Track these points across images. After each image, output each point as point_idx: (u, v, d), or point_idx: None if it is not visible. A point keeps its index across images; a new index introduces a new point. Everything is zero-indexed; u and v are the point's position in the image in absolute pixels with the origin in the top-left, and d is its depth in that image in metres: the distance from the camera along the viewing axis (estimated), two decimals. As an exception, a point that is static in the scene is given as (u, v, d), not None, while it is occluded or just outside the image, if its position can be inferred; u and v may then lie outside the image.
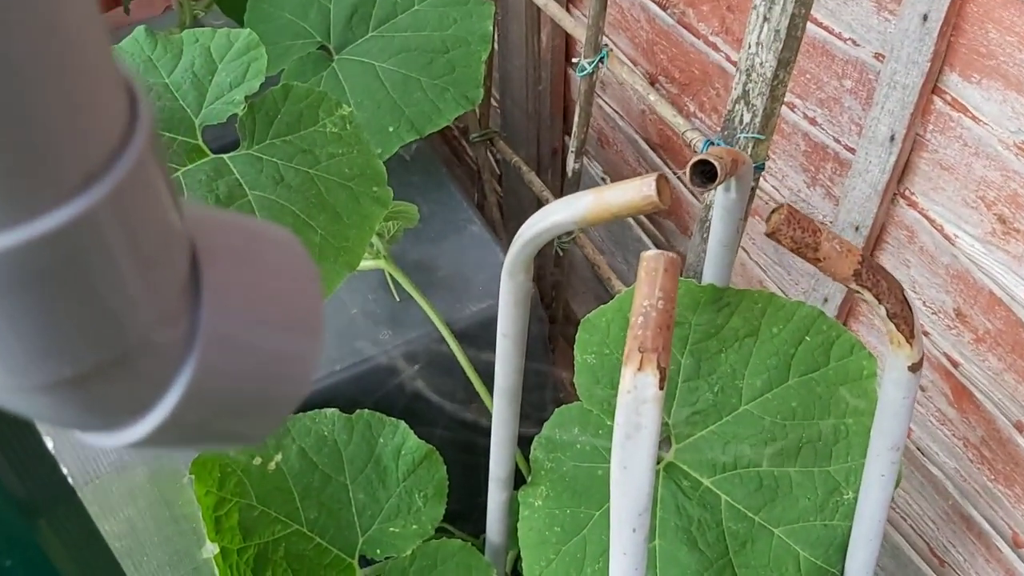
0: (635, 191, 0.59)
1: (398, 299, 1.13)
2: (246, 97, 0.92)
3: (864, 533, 0.83)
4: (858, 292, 0.58)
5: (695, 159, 0.65)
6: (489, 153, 1.61)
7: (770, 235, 0.58)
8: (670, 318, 0.55)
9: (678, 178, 1.42)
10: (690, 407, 0.88)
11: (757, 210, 1.25)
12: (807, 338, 0.84)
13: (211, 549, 0.96)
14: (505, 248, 1.27)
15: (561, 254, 1.43)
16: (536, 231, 0.67)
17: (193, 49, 0.94)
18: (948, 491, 1.09)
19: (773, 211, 0.59)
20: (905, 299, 0.59)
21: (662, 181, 0.60)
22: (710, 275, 0.84)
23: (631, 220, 1.59)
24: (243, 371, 0.25)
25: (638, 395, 0.54)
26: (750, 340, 0.86)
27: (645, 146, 1.47)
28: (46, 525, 0.59)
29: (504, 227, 1.69)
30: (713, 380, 0.87)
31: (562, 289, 1.76)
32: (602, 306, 0.90)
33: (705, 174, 0.65)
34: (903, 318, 0.59)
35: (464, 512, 1.17)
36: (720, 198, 0.77)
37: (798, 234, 0.57)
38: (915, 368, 0.62)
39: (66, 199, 0.19)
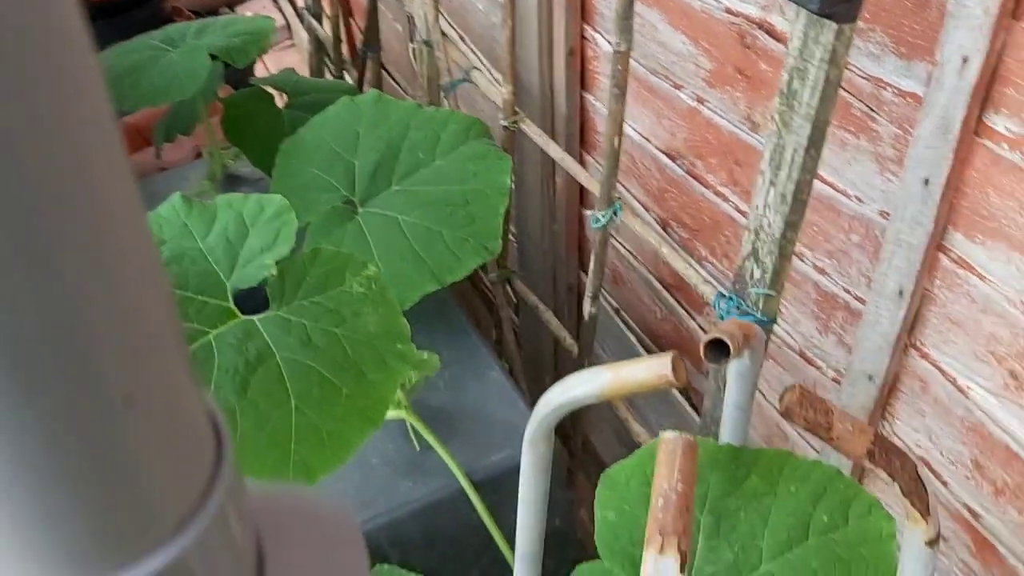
0: (651, 370, 0.62)
1: (418, 448, 1.14)
2: (276, 261, 0.96)
3: None
4: (872, 470, 0.60)
5: (707, 337, 0.68)
6: (507, 290, 1.64)
7: (783, 415, 0.60)
8: (689, 500, 0.57)
9: (691, 317, 1.45)
10: (712, 566, 0.88)
11: (772, 354, 1.27)
12: (825, 498, 0.85)
13: None
14: (524, 395, 1.29)
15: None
16: (556, 404, 0.70)
17: (227, 215, 0.99)
18: (977, 644, 1.07)
19: (786, 390, 0.61)
20: (919, 477, 0.61)
21: (677, 361, 0.63)
22: (727, 435, 0.86)
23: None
24: None
25: (660, 579, 0.55)
26: (768, 499, 0.87)
27: (659, 286, 1.50)
28: None
29: (522, 364, 1.71)
30: (733, 539, 0.87)
31: (581, 420, 1.77)
32: (621, 461, 0.92)
33: (718, 350, 0.68)
34: (918, 495, 0.60)
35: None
36: (734, 365, 0.79)
37: (811, 415, 0.59)
38: (932, 543, 0.62)
39: (160, 546, 0.19)
